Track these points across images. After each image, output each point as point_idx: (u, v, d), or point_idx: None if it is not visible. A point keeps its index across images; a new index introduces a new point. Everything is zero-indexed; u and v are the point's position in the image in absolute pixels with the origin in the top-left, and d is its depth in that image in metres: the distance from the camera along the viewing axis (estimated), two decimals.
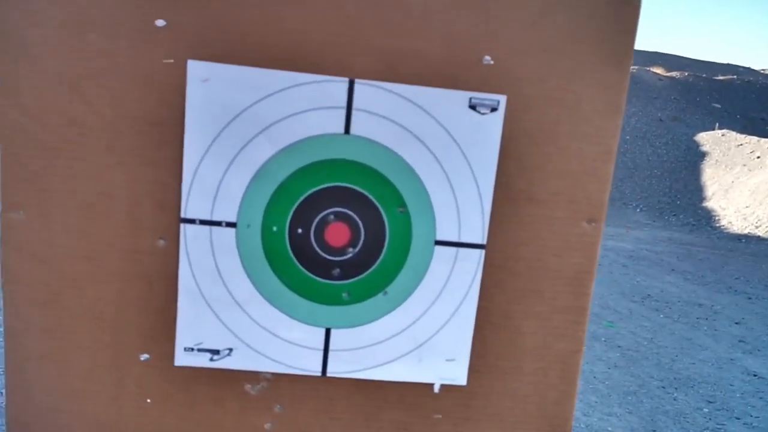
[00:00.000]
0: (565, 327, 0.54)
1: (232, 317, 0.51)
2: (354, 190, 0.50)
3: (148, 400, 0.52)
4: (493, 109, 0.49)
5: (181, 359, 0.52)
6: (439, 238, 0.52)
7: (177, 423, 0.53)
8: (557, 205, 0.51)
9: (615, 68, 0.49)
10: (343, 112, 0.49)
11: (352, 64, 0.48)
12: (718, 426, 3.50)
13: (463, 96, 0.49)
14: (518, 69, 0.49)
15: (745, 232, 10.39)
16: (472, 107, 0.49)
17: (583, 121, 0.50)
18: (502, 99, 0.49)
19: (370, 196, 0.50)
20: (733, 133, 13.54)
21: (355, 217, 0.51)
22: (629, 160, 13.56)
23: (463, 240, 0.52)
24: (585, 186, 0.51)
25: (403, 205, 0.51)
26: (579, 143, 0.50)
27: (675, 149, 13.77)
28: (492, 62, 0.49)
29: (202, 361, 0.52)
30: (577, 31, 0.49)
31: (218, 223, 0.50)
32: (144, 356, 0.52)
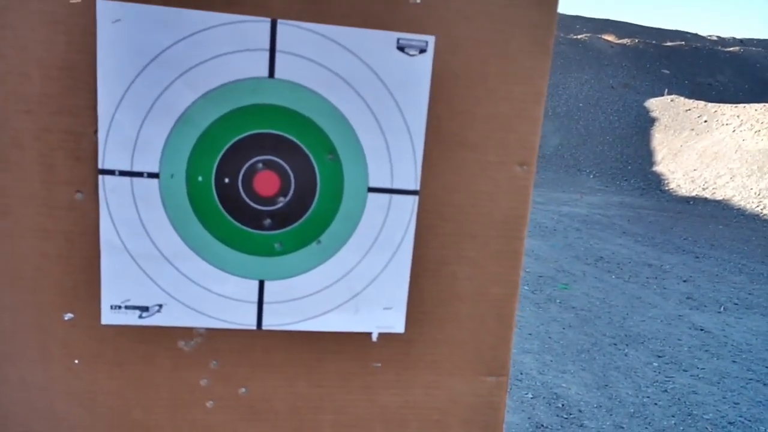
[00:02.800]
0: (499, 272, 0.54)
1: (160, 272, 0.50)
2: (282, 136, 0.49)
3: (76, 361, 0.51)
4: (422, 51, 0.48)
5: (108, 318, 0.50)
6: (371, 185, 0.51)
7: (108, 383, 0.51)
8: (488, 149, 0.51)
9: (542, 8, 0.49)
10: (266, 55, 0.47)
11: (273, 3, 0.46)
12: (667, 378, 3.65)
13: (390, 37, 0.48)
14: (445, 8, 0.48)
15: (693, 194, 10.74)
16: (400, 48, 0.48)
17: (512, 62, 0.49)
18: (431, 39, 0.48)
19: (299, 143, 0.49)
20: (682, 98, 13.89)
21: (285, 164, 0.49)
22: (582, 128, 13.79)
23: (396, 186, 0.51)
24: (515, 128, 0.51)
25: (333, 151, 0.49)
26: (508, 85, 0.50)
27: (626, 116, 14.06)
28: (419, 1, 0.47)
29: (131, 318, 0.50)
30: None
31: (139, 174, 0.47)
32: (68, 315, 0.50)
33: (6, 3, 0.44)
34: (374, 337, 0.54)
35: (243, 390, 0.53)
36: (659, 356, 3.98)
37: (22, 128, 0.46)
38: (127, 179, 0.47)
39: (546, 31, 0.49)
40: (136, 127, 0.46)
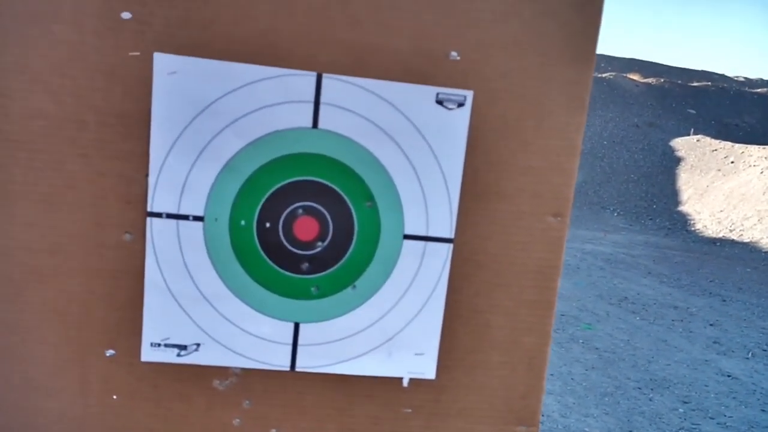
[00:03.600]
0: (531, 321, 0.54)
1: (199, 312, 0.51)
2: (322, 184, 0.50)
3: (114, 397, 0.52)
4: (460, 104, 0.50)
5: (148, 355, 0.51)
6: (407, 232, 0.52)
7: (144, 419, 0.53)
8: (522, 199, 0.52)
9: (579, 64, 0.50)
10: (310, 107, 0.49)
11: (319, 58, 0.48)
12: (693, 426, 3.55)
13: (430, 91, 0.50)
14: (484, 64, 0.49)
15: (720, 235, 10.57)
16: (439, 102, 0.50)
17: (548, 117, 0.51)
18: (469, 94, 0.50)
19: (339, 190, 0.51)
20: (708, 138, 13.78)
21: (324, 211, 0.51)
22: (607, 165, 13.72)
23: (431, 234, 0.52)
24: (550, 180, 0.52)
25: (371, 199, 0.51)
26: (544, 138, 0.51)
27: (651, 154, 13.98)
28: (458, 58, 0.49)
29: (169, 356, 0.52)
30: (542, 28, 0.50)
31: (185, 217, 0.49)
32: (110, 352, 0.51)
33: (68, 55, 0.46)
34: (405, 383, 0.55)
35: (274, 431, 0.54)
36: (685, 402, 3.88)
37: (77, 171, 0.48)
38: (173, 222, 0.49)
39: (582, 87, 0.50)
40: (184, 173, 0.48)
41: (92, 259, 0.49)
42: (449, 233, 0.52)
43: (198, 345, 0.52)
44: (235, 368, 0.53)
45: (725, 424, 3.62)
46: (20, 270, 0.49)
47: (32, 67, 0.47)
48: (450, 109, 0.50)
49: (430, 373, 0.54)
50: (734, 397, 4.03)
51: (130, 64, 0.47)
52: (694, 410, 3.77)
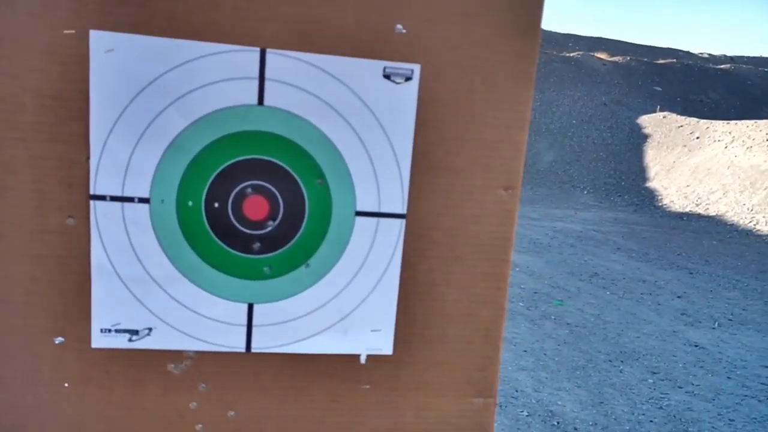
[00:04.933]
0: (486, 294, 0.55)
1: (149, 296, 0.50)
2: (271, 162, 0.50)
3: (66, 385, 0.51)
4: (408, 78, 0.50)
5: (98, 341, 0.50)
6: (359, 208, 0.52)
7: (97, 406, 0.52)
8: (474, 173, 0.52)
9: (526, 36, 0.50)
10: (255, 83, 0.48)
11: (262, 33, 0.47)
12: (662, 395, 3.65)
13: (377, 65, 0.49)
14: (431, 37, 0.49)
15: (687, 210, 10.79)
16: (387, 77, 0.49)
17: (497, 89, 0.50)
18: (416, 68, 0.49)
19: (288, 168, 0.50)
20: (674, 115, 14.01)
21: (274, 189, 0.50)
22: (576, 144, 13.88)
23: (384, 210, 0.52)
24: (500, 153, 0.52)
25: (322, 176, 0.50)
26: (493, 111, 0.51)
27: (619, 132, 14.16)
28: (404, 31, 0.49)
29: (121, 342, 0.51)
30: (488, 0, 0.49)
31: (130, 199, 0.48)
32: (59, 339, 0.50)
33: (1, 34, 0.45)
34: (363, 359, 0.55)
35: (232, 413, 0.54)
36: (654, 373, 3.98)
37: (16, 155, 0.46)
38: (118, 204, 0.48)
39: (529, 59, 0.50)
40: (127, 154, 0.47)
41: (35, 245, 0.48)
42: (401, 209, 0.52)
43: (150, 329, 0.51)
44: (190, 351, 0.52)
45: (693, 392, 3.73)
46: None
47: None
48: (398, 83, 0.49)
49: (387, 348, 0.55)
50: (701, 366, 4.15)
51: (66, 42, 0.46)
52: (662, 380, 3.87)
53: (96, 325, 0.50)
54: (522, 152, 0.52)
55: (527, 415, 3.23)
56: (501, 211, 0.53)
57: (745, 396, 3.72)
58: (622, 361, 4.12)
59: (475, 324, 0.55)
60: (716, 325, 5.03)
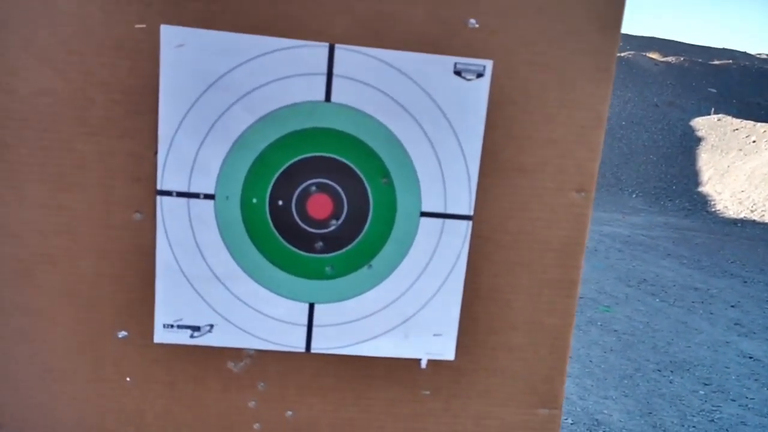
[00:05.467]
0: (554, 301, 0.53)
1: (212, 293, 0.50)
2: (336, 160, 0.49)
3: (128, 379, 0.51)
4: (479, 75, 0.48)
5: (161, 336, 0.50)
6: (424, 209, 0.50)
7: (158, 402, 0.52)
8: (546, 174, 0.50)
9: (604, 32, 0.48)
10: (323, 79, 0.47)
11: (332, 29, 0.46)
12: (714, 408, 3.52)
13: (447, 61, 0.47)
14: (504, 32, 0.47)
15: (741, 216, 10.40)
16: (457, 73, 0.48)
17: (572, 87, 0.48)
18: (488, 64, 0.48)
19: (353, 167, 0.49)
20: (729, 117, 13.52)
21: (338, 188, 0.49)
22: (625, 146, 13.54)
23: (449, 211, 0.50)
24: (574, 154, 0.49)
25: (387, 175, 0.49)
26: (567, 110, 0.49)
27: (671, 134, 13.76)
28: (477, 25, 0.47)
29: (182, 338, 0.51)
30: None
31: (196, 195, 0.48)
32: (122, 334, 0.50)
33: (74, 30, 0.45)
34: (423, 364, 0.53)
35: (290, 413, 0.53)
36: (706, 384, 3.84)
37: (86, 150, 0.47)
38: (183, 200, 0.48)
39: (608, 56, 0.48)
40: (194, 150, 0.47)
41: (102, 240, 0.48)
42: (468, 210, 0.50)
43: (211, 326, 0.51)
44: (250, 350, 0.52)
45: (747, 405, 3.58)
46: (30, 252, 0.48)
47: (37, 43, 0.45)
48: (468, 79, 0.48)
49: (449, 354, 0.53)
50: (756, 379, 3.98)
51: (136, 37, 0.46)
52: (715, 392, 3.73)
53: (159, 320, 0.50)
54: (598, 153, 0.49)
55: (572, 423, 3.16)
56: (573, 215, 0.51)
57: None
58: (671, 371, 3.99)
59: (542, 333, 0.53)
60: None
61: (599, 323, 4.75)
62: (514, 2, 0.47)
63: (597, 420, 3.22)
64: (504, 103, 0.48)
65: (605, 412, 3.33)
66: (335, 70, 0.47)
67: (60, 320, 0.49)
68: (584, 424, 3.17)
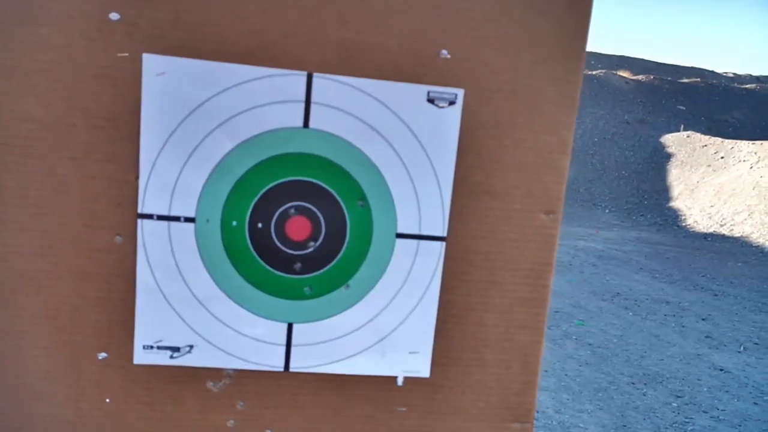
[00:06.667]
0: (525, 318, 0.55)
1: (192, 314, 0.51)
2: (314, 183, 0.50)
3: (107, 400, 0.52)
4: (451, 103, 0.50)
5: (141, 357, 0.51)
6: (400, 231, 0.52)
7: (137, 423, 0.52)
8: (515, 197, 0.52)
9: (569, 61, 0.50)
10: (301, 106, 0.49)
11: (309, 58, 0.48)
12: (687, 420, 3.58)
13: (421, 90, 0.50)
14: (475, 62, 0.49)
15: (711, 230, 10.63)
16: (431, 101, 0.50)
17: (539, 114, 0.51)
18: (460, 92, 0.50)
19: (331, 190, 0.50)
20: (698, 134, 13.86)
21: (316, 210, 0.51)
22: (597, 162, 13.78)
23: (424, 233, 0.52)
24: (542, 178, 0.52)
25: (364, 198, 0.51)
26: (535, 135, 0.51)
27: (642, 151, 14.04)
28: (449, 56, 0.49)
29: (162, 359, 0.51)
30: (532, 26, 0.50)
31: (176, 219, 0.49)
32: (102, 355, 0.51)
33: (57, 57, 0.46)
34: (400, 381, 0.55)
35: (269, 431, 0.54)
36: (678, 396, 3.90)
37: (68, 174, 0.48)
38: (164, 223, 0.49)
39: (573, 84, 0.50)
40: (175, 174, 0.48)
41: (83, 262, 0.49)
42: (442, 231, 0.52)
43: (191, 347, 0.51)
44: (229, 369, 0.53)
45: (718, 417, 3.65)
46: (12, 274, 0.49)
47: (20, 69, 0.46)
48: (441, 107, 0.50)
49: (424, 371, 0.55)
50: (727, 391, 4.05)
51: (119, 65, 0.47)
52: (687, 404, 3.79)
53: (139, 341, 0.51)
54: (564, 177, 0.52)
55: None
56: (541, 236, 0.53)
57: None
58: (645, 384, 4.04)
59: (514, 349, 0.55)
60: (742, 348, 4.93)
61: (574, 337, 4.80)
62: (484, 34, 0.49)
63: None
64: (475, 129, 0.51)
65: (581, 425, 3.36)
66: (313, 98, 0.49)
67: (41, 343, 0.50)
68: None
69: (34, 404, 0.51)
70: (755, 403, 3.89)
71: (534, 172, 0.52)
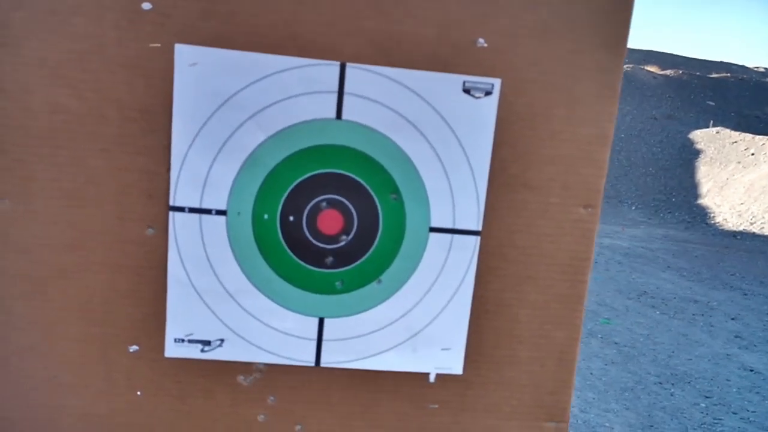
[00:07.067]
0: (561, 315, 0.53)
1: (223, 307, 0.50)
2: (346, 176, 0.49)
3: (138, 393, 0.51)
4: (488, 93, 0.49)
5: (172, 350, 0.51)
6: (433, 224, 0.51)
7: (168, 416, 0.52)
8: (552, 190, 0.50)
9: (610, 51, 0.49)
10: (334, 97, 0.48)
11: (343, 48, 0.47)
12: (715, 421, 3.51)
13: (456, 79, 0.48)
14: (512, 52, 0.48)
15: (740, 228, 10.42)
16: (466, 91, 0.48)
17: (578, 105, 0.49)
18: (497, 82, 0.49)
19: (363, 183, 0.49)
20: (728, 130, 13.58)
21: (348, 204, 0.50)
22: (624, 159, 13.58)
23: (458, 227, 0.51)
24: (580, 171, 0.50)
25: (397, 191, 0.50)
26: (574, 127, 0.49)
27: (669, 147, 13.81)
28: (486, 45, 0.48)
29: (193, 352, 0.51)
30: (572, 14, 0.48)
31: (208, 211, 0.49)
32: (133, 348, 0.51)
33: (87, 47, 0.46)
34: (432, 378, 0.54)
35: (299, 427, 0.53)
36: (707, 397, 3.83)
37: (99, 167, 0.47)
38: (196, 216, 0.48)
39: (614, 74, 0.48)
40: (206, 167, 0.48)
41: (115, 255, 0.49)
42: (476, 226, 0.51)
43: (222, 340, 0.51)
44: (260, 364, 0.52)
45: (748, 419, 3.57)
46: (42, 267, 0.49)
47: (52, 60, 0.46)
48: (477, 98, 0.49)
49: (457, 368, 0.53)
50: (757, 392, 3.97)
51: (151, 56, 0.46)
52: (716, 405, 3.72)
53: (170, 334, 0.50)
54: (603, 170, 0.50)
55: None
56: (579, 230, 0.51)
57: None
58: (672, 384, 3.97)
59: (549, 346, 0.54)
60: None
61: (600, 335, 4.74)
62: (521, 22, 0.48)
63: None
64: (511, 120, 0.49)
65: (607, 425, 3.32)
66: (346, 89, 0.48)
67: (72, 335, 0.50)
68: None
69: (65, 397, 0.51)
70: None
71: (572, 165, 0.50)
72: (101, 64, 0.47)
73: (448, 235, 0.51)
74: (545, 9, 0.48)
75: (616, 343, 4.60)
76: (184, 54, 0.46)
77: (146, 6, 0.45)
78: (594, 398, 3.64)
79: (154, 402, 0.52)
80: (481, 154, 0.49)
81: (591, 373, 3.99)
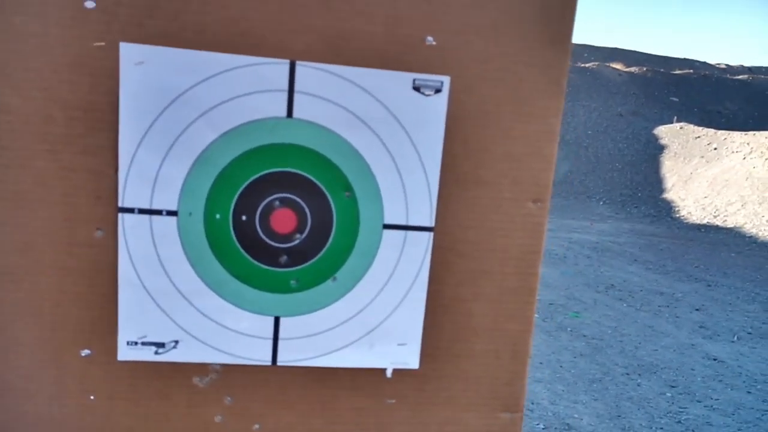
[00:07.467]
0: (514, 308, 0.54)
1: (176, 309, 0.50)
2: (299, 174, 0.49)
3: (92, 397, 0.51)
4: (437, 91, 0.49)
5: (125, 353, 0.50)
6: (387, 221, 0.51)
7: (122, 419, 0.51)
8: (503, 186, 0.51)
9: (556, 48, 0.49)
10: (285, 95, 0.48)
11: (292, 46, 0.47)
12: (681, 409, 3.59)
13: (406, 77, 0.49)
14: (461, 49, 0.49)
15: (704, 221, 10.67)
16: (416, 89, 0.49)
17: (526, 102, 0.50)
18: (446, 80, 0.49)
19: (316, 181, 0.50)
20: (691, 125, 13.89)
21: (301, 202, 0.50)
22: (591, 155, 13.80)
23: (411, 223, 0.51)
24: (529, 166, 0.51)
25: (350, 189, 0.50)
26: (522, 123, 0.50)
27: (635, 143, 14.07)
28: (434, 43, 0.48)
29: (147, 354, 0.50)
30: (519, 11, 0.49)
31: (158, 212, 0.48)
32: (85, 351, 0.50)
33: (31, 48, 0.45)
34: (389, 373, 0.54)
35: (257, 426, 0.53)
36: (672, 386, 3.92)
37: (46, 167, 0.47)
38: (146, 217, 0.48)
39: (559, 70, 0.49)
40: (156, 166, 0.47)
41: (64, 258, 0.48)
42: (429, 222, 0.51)
43: (176, 342, 0.51)
44: (215, 364, 0.52)
45: (712, 406, 3.67)
46: None
47: None
48: (427, 95, 0.49)
49: (413, 363, 0.54)
50: (720, 380, 4.07)
51: (96, 55, 0.46)
52: (681, 394, 3.81)
53: (122, 337, 0.50)
54: (551, 165, 0.51)
55: (543, 428, 3.19)
56: (530, 224, 0.52)
57: (766, 411, 3.65)
58: (639, 375, 4.06)
59: (503, 338, 0.54)
60: (735, 338, 4.95)
61: (569, 329, 4.81)
62: (469, 20, 0.48)
63: (568, 424, 3.26)
64: (462, 117, 0.50)
65: (576, 416, 3.37)
66: (296, 87, 0.48)
67: (22, 339, 0.49)
68: (556, 428, 3.21)
69: (17, 402, 0.50)
70: (749, 392, 3.91)
71: (521, 161, 0.51)
72: (45, 64, 0.46)
73: (402, 232, 0.51)
74: (493, 7, 0.48)
75: (584, 336, 4.68)
76: (130, 52, 0.46)
77: (90, 4, 0.45)
78: (563, 390, 3.69)
79: (108, 406, 0.51)
80: (433, 151, 0.50)
81: (561, 366, 4.05)
